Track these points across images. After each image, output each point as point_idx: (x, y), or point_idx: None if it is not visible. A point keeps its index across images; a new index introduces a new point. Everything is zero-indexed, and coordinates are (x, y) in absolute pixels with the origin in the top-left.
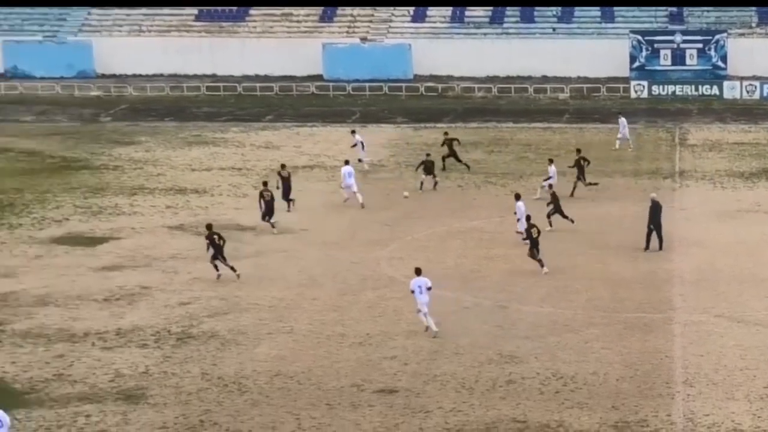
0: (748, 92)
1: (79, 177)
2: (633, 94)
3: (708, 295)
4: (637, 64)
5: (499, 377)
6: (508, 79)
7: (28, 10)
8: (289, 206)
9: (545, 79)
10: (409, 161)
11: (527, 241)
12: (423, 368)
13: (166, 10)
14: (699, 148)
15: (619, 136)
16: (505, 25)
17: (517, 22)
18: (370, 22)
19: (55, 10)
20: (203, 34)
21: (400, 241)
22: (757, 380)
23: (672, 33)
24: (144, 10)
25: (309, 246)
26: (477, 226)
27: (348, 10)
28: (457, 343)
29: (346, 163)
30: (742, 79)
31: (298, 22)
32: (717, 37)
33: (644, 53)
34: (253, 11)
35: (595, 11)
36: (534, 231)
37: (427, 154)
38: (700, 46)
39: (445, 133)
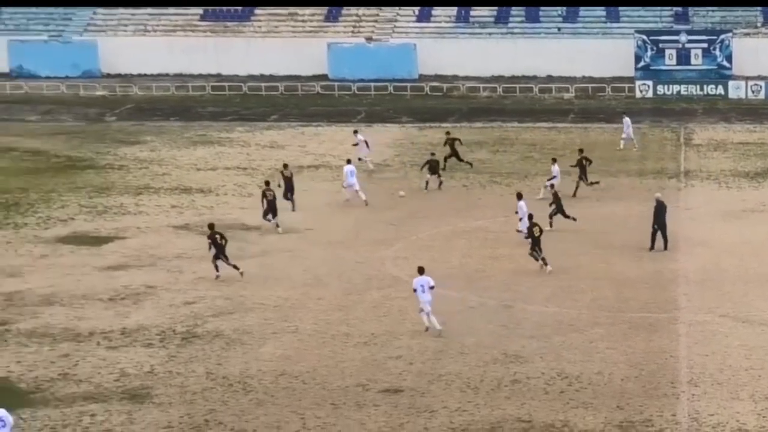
0: (753, 92)
1: (85, 176)
2: (638, 94)
3: (713, 294)
4: (642, 63)
5: (504, 377)
6: (513, 78)
7: (33, 9)
8: (293, 205)
9: (550, 78)
10: (414, 161)
11: (529, 240)
12: (428, 368)
13: (172, 10)
14: (704, 148)
15: (623, 136)
16: (510, 25)
17: (522, 21)
18: (375, 21)
19: (61, 10)
20: (208, 33)
21: (405, 241)
22: (762, 380)
23: (677, 33)
24: (149, 10)
25: (314, 246)
26: (482, 225)
27: (353, 9)
28: (462, 343)
29: (348, 162)
30: (747, 78)
31: (303, 21)
32: (722, 36)
33: (649, 53)
34: (259, 11)
35: (600, 11)
36: (536, 230)
37: (432, 154)
38: (705, 45)
39: (447, 133)
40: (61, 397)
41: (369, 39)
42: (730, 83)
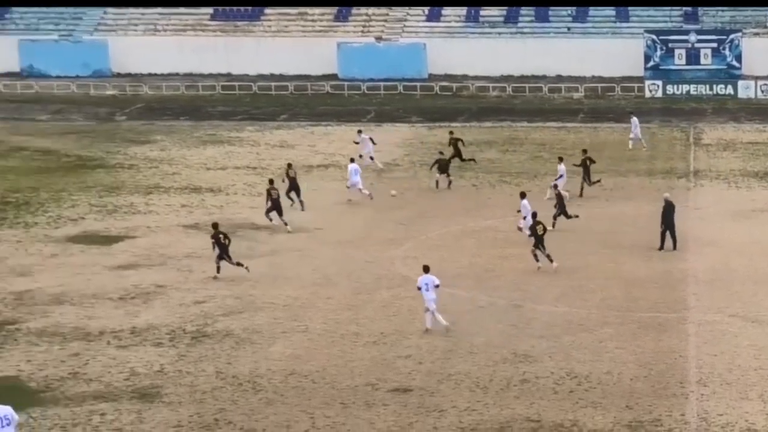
0: (762, 92)
1: (95, 176)
2: (647, 94)
3: (722, 294)
4: (651, 63)
5: (514, 376)
6: (523, 78)
7: (44, 9)
8: (300, 204)
9: (560, 78)
10: (424, 160)
11: (531, 237)
12: (437, 367)
13: (182, 10)
14: (713, 148)
15: (631, 136)
16: (519, 25)
17: (531, 21)
18: (385, 21)
19: (71, 10)
20: (218, 33)
21: (415, 240)
22: None
23: (687, 32)
24: (159, 10)
25: (323, 245)
26: (491, 225)
27: (363, 9)
28: (472, 342)
29: (352, 160)
30: (756, 78)
31: (313, 21)
32: (732, 36)
33: (659, 53)
34: (269, 10)
35: (609, 11)
36: (540, 228)
37: (440, 153)
38: (715, 45)
39: (451, 132)
40: (71, 396)
41: (379, 38)
42: (740, 83)
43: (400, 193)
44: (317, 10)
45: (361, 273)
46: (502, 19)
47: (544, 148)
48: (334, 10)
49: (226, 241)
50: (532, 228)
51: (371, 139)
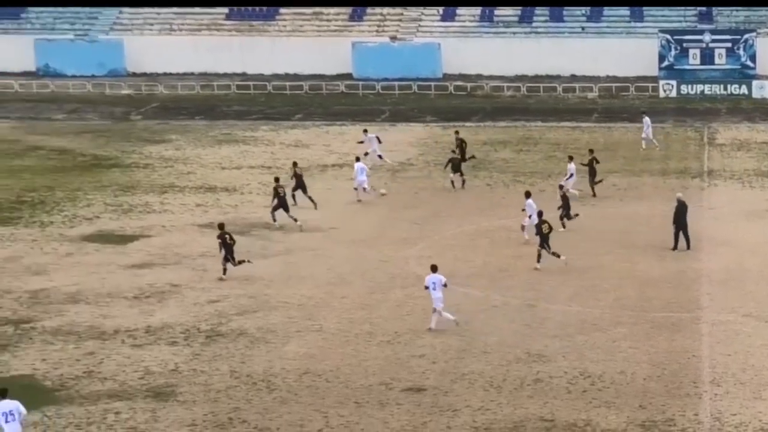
0: None
1: (110, 175)
2: (662, 94)
3: (736, 294)
4: (665, 63)
5: (527, 376)
6: (537, 78)
7: (59, 9)
8: (312, 202)
9: (574, 78)
10: (438, 160)
11: (537, 237)
12: (451, 367)
13: (197, 9)
14: (727, 148)
15: (643, 136)
16: (534, 24)
17: (546, 21)
18: (400, 21)
19: (87, 9)
20: (233, 33)
21: (429, 240)
22: None
23: (701, 32)
24: (175, 9)
25: (338, 244)
26: (505, 224)
27: (378, 9)
28: (485, 342)
29: (358, 159)
30: None
31: (327, 21)
32: (746, 36)
33: (673, 52)
34: (284, 10)
35: (624, 10)
36: (545, 227)
37: (453, 152)
38: (729, 45)
39: (456, 132)
40: (86, 395)
41: (393, 38)
42: (754, 83)
43: (414, 192)
44: (332, 10)
45: (375, 272)
46: (516, 18)
47: (558, 147)
48: (349, 9)
49: (231, 242)
50: (538, 226)
51: (377, 137)
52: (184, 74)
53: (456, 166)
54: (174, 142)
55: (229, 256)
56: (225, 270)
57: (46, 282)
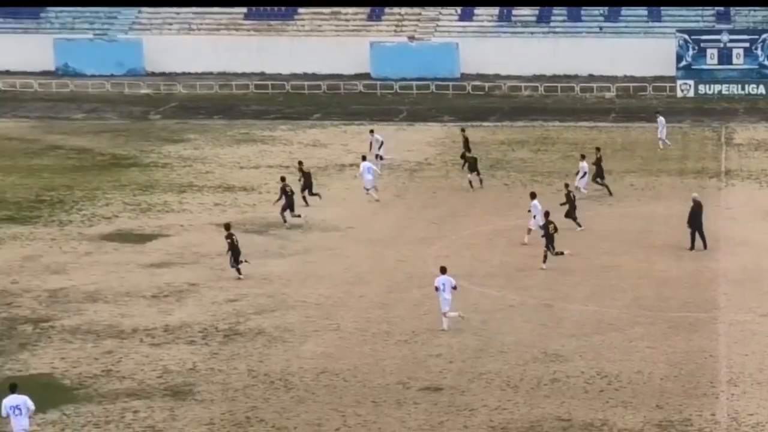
0: None
1: (129, 174)
2: (679, 94)
3: (753, 294)
4: (683, 63)
5: (544, 376)
6: (555, 77)
7: (79, 8)
8: (317, 196)
9: (592, 78)
10: (456, 160)
11: (543, 236)
12: (468, 366)
13: (216, 9)
14: (745, 148)
15: (659, 136)
16: (551, 24)
17: (564, 21)
18: (418, 21)
19: (106, 9)
20: (252, 32)
21: (446, 240)
22: None
23: (719, 32)
24: (194, 9)
25: (356, 244)
26: (522, 224)
27: (396, 9)
28: (502, 342)
29: (364, 158)
30: None
31: (346, 20)
32: (764, 36)
33: (691, 52)
34: (302, 10)
35: (642, 10)
36: (551, 227)
37: (469, 150)
38: (747, 45)
39: (462, 130)
40: (104, 394)
41: (411, 38)
42: None
43: (431, 192)
44: (350, 10)
45: (393, 272)
46: (534, 18)
47: (575, 147)
48: (367, 9)
49: (237, 243)
50: (545, 227)
51: (381, 141)
52: (203, 74)
53: (471, 165)
54: (192, 141)
55: (232, 258)
56: (239, 270)
57: (65, 281)
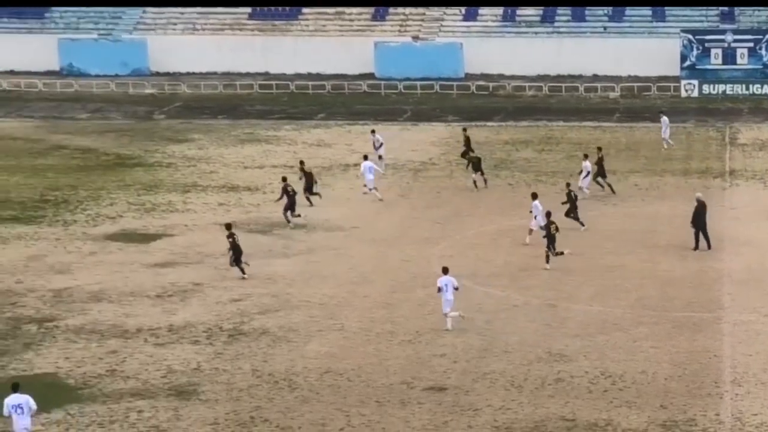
0: None
1: (133, 174)
2: (683, 93)
3: (757, 294)
4: (687, 63)
5: (548, 375)
6: (559, 77)
7: (83, 8)
8: (318, 195)
9: (596, 77)
10: (460, 160)
11: (544, 237)
12: (472, 366)
13: (220, 9)
14: (749, 148)
15: (663, 136)
16: (556, 24)
17: (568, 21)
18: (422, 21)
19: (110, 9)
20: (256, 32)
21: (451, 239)
22: None
23: (723, 32)
24: (198, 9)
25: (360, 243)
26: (526, 224)
27: (400, 9)
28: (506, 341)
29: (365, 158)
30: None
31: (350, 20)
32: None
33: (695, 52)
34: (306, 10)
35: (646, 10)
36: (553, 228)
37: (472, 150)
38: (751, 45)
39: (464, 129)
40: (109, 393)
41: (415, 38)
42: None
43: (436, 192)
44: (355, 10)
45: (397, 272)
46: (538, 18)
47: (580, 147)
48: (371, 9)
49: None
50: (546, 227)
51: (382, 143)
52: (207, 74)
53: (475, 165)
54: (197, 141)
55: (234, 257)
56: (243, 269)
57: (70, 281)
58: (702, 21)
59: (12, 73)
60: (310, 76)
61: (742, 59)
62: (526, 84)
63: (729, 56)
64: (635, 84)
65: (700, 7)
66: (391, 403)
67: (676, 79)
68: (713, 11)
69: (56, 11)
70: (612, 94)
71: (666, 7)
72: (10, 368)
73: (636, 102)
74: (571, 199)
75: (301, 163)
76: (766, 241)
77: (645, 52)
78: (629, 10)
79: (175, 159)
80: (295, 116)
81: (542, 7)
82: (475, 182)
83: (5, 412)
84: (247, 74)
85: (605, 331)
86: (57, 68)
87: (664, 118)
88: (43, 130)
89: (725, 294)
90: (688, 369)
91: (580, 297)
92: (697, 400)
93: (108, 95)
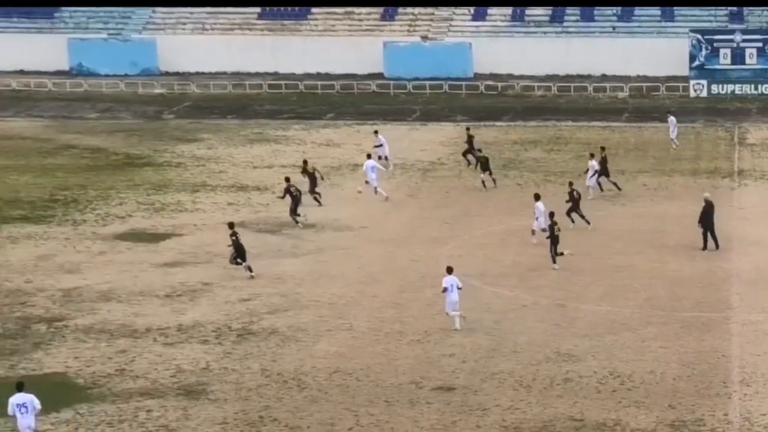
0: None
1: (143, 174)
2: (692, 93)
3: (766, 294)
4: (696, 63)
5: (557, 375)
6: (568, 77)
7: (93, 8)
8: (319, 201)
9: (605, 77)
10: (468, 159)
11: (548, 239)
12: (481, 366)
13: (230, 9)
14: (758, 148)
15: (671, 136)
16: (565, 24)
17: (577, 20)
18: (431, 20)
19: (120, 9)
20: (266, 32)
21: (459, 239)
22: None
23: (732, 32)
24: (208, 9)
25: (368, 243)
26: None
27: (409, 8)
28: (515, 341)
29: (368, 157)
30: None
31: (359, 20)
32: None
33: (704, 52)
34: (315, 10)
35: (655, 10)
36: (556, 229)
37: (479, 150)
38: (760, 45)
39: (467, 129)
40: (118, 393)
41: (425, 38)
42: None
43: (444, 192)
44: (364, 10)
45: (405, 271)
46: (547, 18)
47: (588, 147)
48: (380, 9)
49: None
50: (550, 228)
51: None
52: (217, 73)
53: (483, 165)
54: (206, 141)
55: (236, 256)
56: (249, 268)
57: (79, 280)
58: (711, 21)
59: (22, 72)
60: (319, 76)
61: (751, 59)
62: (535, 84)
63: (738, 56)
64: (644, 84)
65: (709, 7)
66: (399, 402)
67: (685, 79)
68: (722, 11)
69: (66, 11)
70: (621, 94)
71: (675, 7)
72: (20, 367)
73: (645, 102)
74: (573, 198)
75: (305, 162)
76: None
77: (654, 52)
78: (638, 10)
79: (184, 159)
80: (304, 116)
81: (551, 7)
82: (483, 182)
83: (10, 411)
84: (257, 74)
85: (614, 331)
86: (66, 68)
87: (672, 118)
88: (52, 130)
89: (734, 294)
90: (696, 369)
91: (589, 297)
92: (706, 400)
93: (117, 95)
